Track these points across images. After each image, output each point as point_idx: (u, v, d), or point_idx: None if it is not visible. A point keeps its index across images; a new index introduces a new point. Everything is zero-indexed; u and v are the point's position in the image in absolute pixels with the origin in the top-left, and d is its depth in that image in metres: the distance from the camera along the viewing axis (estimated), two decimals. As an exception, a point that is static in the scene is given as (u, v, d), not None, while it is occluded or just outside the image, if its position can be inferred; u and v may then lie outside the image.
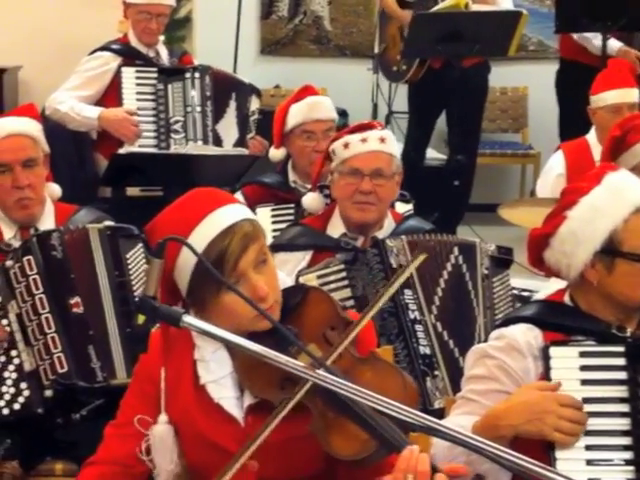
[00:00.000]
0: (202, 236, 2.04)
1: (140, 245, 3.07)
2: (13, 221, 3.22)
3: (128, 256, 3.06)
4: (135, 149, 4.48)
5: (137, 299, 1.84)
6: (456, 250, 3.12)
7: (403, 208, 3.57)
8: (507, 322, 2.30)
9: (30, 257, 2.95)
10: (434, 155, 6.64)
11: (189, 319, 1.80)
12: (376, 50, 5.96)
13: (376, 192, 3.20)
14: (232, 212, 2.09)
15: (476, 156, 6.31)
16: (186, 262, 2.04)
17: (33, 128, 3.27)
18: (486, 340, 2.32)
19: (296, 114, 3.94)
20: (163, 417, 2.13)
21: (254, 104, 4.77)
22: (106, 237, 3.06)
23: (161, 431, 2.12)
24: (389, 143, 3.26)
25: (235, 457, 1.95)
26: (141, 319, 1.83)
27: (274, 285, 2.09)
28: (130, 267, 3.05)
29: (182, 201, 2.16)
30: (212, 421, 2.10)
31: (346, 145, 3.25)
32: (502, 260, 3.21)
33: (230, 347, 2.10)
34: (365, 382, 1.93)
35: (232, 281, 2.01)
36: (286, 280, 2.24)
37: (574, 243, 2.20)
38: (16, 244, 3.11)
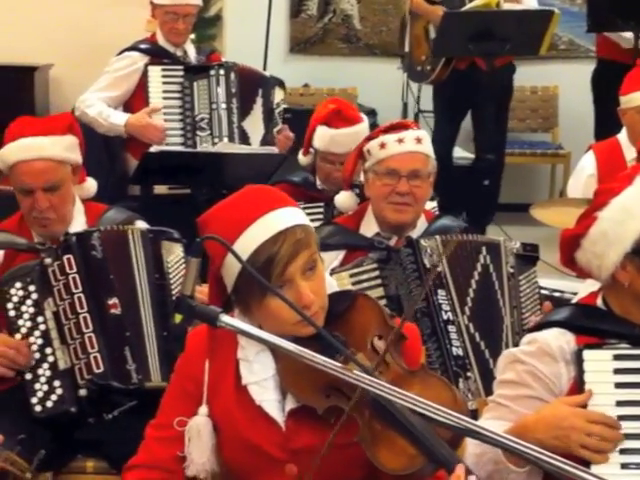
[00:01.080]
0: (252, 239, 2.03)
1: (181, 249, 3.07)
2: None
3: (169, 259, 3.06)
4: (163, 147, 4.49)
5: (174, 298, 1.82)
6: (484, 250, 3.11)
7: (428, 205, 3.55)
8: (539, 326, 2.28)
9: (70, 256, 2.94)
10: (462, 154, 6.62)
11: (226, 319, 1.79)
12: (407, 49, 5.92)
13: (413, 193, 3.18)
14: (285, 216, 2.07)
15: (504, 155, 6.28)
16: (233, 262, 2.02)
17: (58, 148, 3.17)
18: (514, 340, 2.30)
19: (320, 138, 3.93)
20: (204, 409, 2.12)
21: (278, 96, 4.76)
22: (148, 240, 3.06)
23: (199, 423, 2.11)
24: (425, 143, 3.24)
25: None
26: (178, 318, 1.83)
27: (320, 292, 2.07)
28: (170, 270, 3.05)
29: (237, 199, 2.14)
30: (252, 422, 2.10)
31: (382, 145, 3.22)
32: (528, 257, 3.20)
33: (274, 349, 2.08)
34: (413, 393, 1.87)
35: (278, 285, 2.00)
36: (333, 284, 2.22)
37: (605, 244, 2.19)
38: (48, 242, 3.12)
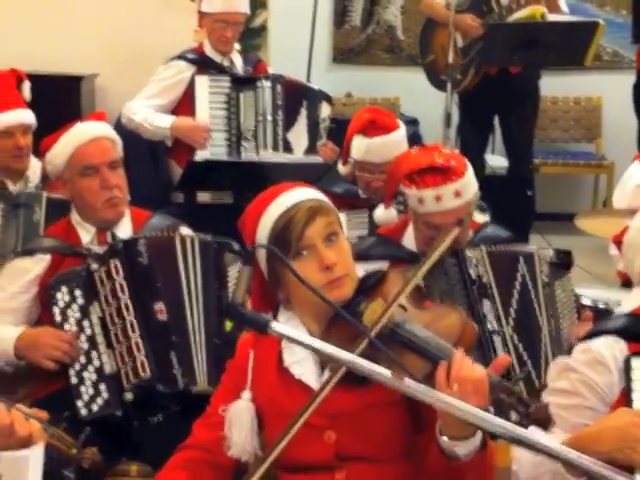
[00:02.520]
0: (270, 215, 2.17)
1: (240, 262, 3.08)
2: (91, 225, 3.26)
3: (229, 270, 3.09)
4: (208, 156, 4.52)
5: (225, 305, 1.86)
6: (521, 259, 3.10)
7: (481, 218, 3.54)
8: (592, 335, 2.26)
9: (117, 261, 2.98)
10: (498, 162, 6.60)
11: (276, 326, 1.82)
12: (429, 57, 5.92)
13: (458, 236, 3.12)
14: (301, 192, 2.22)
15: (532, 163, 6.26)
16: (259, 242, 2.16)
17: (112, 131, 3.33)
18: (552, 349, 2.30)
19: (357, 148, 3.93)
20: (247, 394, 2.20)
21: (325, 111, 4.78)
22: (211, 249, 3.08)
23: (239, 405, 2.20)
24: (465, 189, 3.02)
25: (299, 412, 2.02)
26: (229, 325, 1.86)
27: (345, 259, 2.17)
28: (230, 280, 3.07)
29: (264, 193, 2.27)
30: (295, 398, 2.15)
31: (420, 201, 3.03)
32: (562, 265, 3.18)
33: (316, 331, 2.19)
34: (425, 323, 2.08)
35: (299, 250, 2.12)
36: (369, 269, 2.31)
37: (632, 252, 2.27)
38: (94, 248, 3.16)
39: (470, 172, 3.08)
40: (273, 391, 2.20)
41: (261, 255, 2.20)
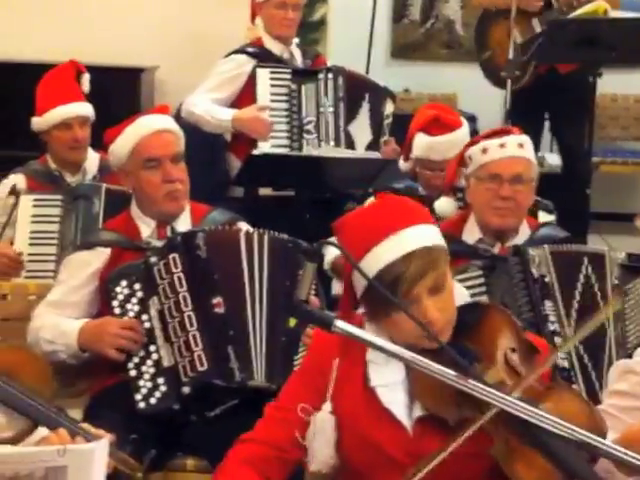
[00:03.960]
0: (382, 255, 2.05)
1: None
2: (151, 218, 3.26)
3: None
4: (268, 150, 4.52)
5: (288, 302, 1.84)
6: (585, 260, 3.06)
7: (546, 218, 3.51)
8: None
9: (175, 255, 2.97)
10: (554, 161, 6.52)
11: (341, 324, 1.79)
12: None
13: (515, 198, 3.16)
14: (418, 235, 2.08)
15: (590, 161, 6.17)
16: (360, 276, 2.05)
17: (175, 125, 3.33)
18: (617, 353, 2.27)
19: (418, 146, 3.92)
20: (328, 405, 2.13)
21: (389, 108, 4.76)
22: (284, 246, 3.05)
23: (323, 418, 2.12)
24: (527, 148, 3.23)
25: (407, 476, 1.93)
26: (292, 322, 1.84)
27: (448, 309, 2.08)
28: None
29: (375, 209, 2.19)
30: (378, 424, 2.10)
31: (484, 150, 3.22)
32: (633, 268, 3.13)
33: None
34: (550, 410, 1.88)
35: (404, 302, 2.01)
36: (465, 294, 2.22)
37: None
38: (153, 242, 3.17)
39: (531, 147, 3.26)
40: (355, 409, 2.12)
41: (359, 282, 2.09)
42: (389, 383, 2.10)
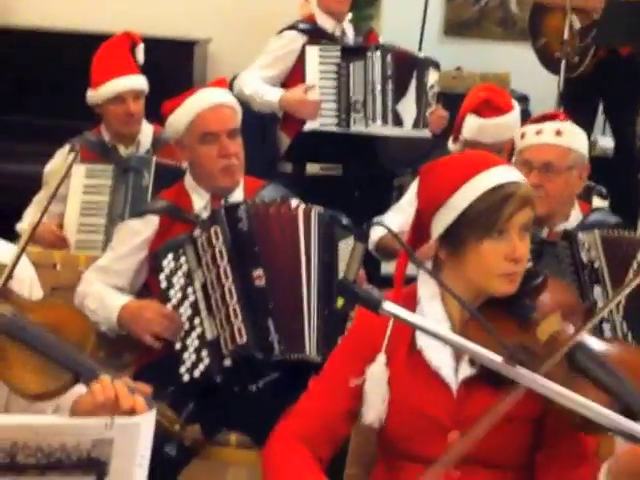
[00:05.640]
0: (483, 182, 2.10)
1: (351, 237, 3.06)
2: (206, 191, 3.28)
3: (340, 244, 3.06)
4: (317, 127, 4.51)
5: (338, 282, 1.84)
6: (638, 247, 3.02)
7: (600, 204, 3.48)
8: None
9: (217, 227, 2.98)
10: (606, 144, 6.45)
11: (388, 305, 1.79)
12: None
13: (544, 186, 3.12)
14: (516, 173, 2.17)
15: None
16: (457, 204, 2.10)
17: (233, 99, 3.34)
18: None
19: (469, 128, 3.86)
20: (382, 357, 2.15)
21: (432, 77, 4.73)
22: (322, 220, 3.05)
23: (378, 370, 2.14)
24: (567, 136, 3.19)
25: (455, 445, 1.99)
26: (340, 302, 1.84)
27: (527, 256, 2.13)
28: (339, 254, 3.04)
29: (468, 153, 2.32)
30: (423, 387, 2.13)
31: (522, 135, 3.23)
32: None
33: (454, 321, 2.15)
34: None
35: (499, 231, 2.08)
36: None
37: None
38: (205, 215, 3.18)
39: (579, 131, 3.26)
40: (401, 372, 2.15)
41: (449, 215, 2.12)
42: (436, 344, 2.11)
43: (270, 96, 4.65)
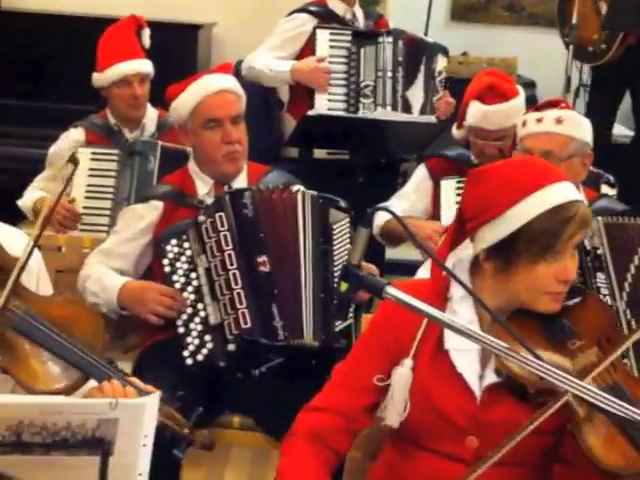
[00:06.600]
0: (548, 198, 2.04)
1: (347, 220, 3.07)
2: (209, 176, 3.28)
3: (335, 227, 3.07)
4: (324, 112, 4.50)
5: (341, 267, 1.83)
6: None
7: (608, 192, 3.46)
8: None
9: (222, 213, 2.99)
10: (623, 132, 6.43)
11: (392, 290, 1.77)
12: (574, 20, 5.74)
13: None
14: (573, 190, 2.09)
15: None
16: (514, 219, 2.04)
17: (238, 85, 3.34)
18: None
19: (472, 114, 3.84)
20: (409, 362, 2.12)
21: (441, 63, 4.69)
22: (317, 204, 3.06)
23: (403, 374, 2.12)
24: (568, 124, 3.15)
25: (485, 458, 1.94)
26: (344, 287, 1.83)
27: (575, 275, 2.10)
28: (335, 238, 3.05)
29: (522, 163, 2.19)
30: (446, 388, 2.11)
31: (524, 123, 3.21)
32: None
33: (484, 322, 2.11)
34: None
35: (556, 252, 2.03)
36: None
37: None
38: (209, 200, 3.18)
39: (581, 118, 3.23)
40: (426, 372, 2.12)
41: (508, 227, 2.06)
42: (464, 349, 2.09)
43: (281, 67, 4.60)
